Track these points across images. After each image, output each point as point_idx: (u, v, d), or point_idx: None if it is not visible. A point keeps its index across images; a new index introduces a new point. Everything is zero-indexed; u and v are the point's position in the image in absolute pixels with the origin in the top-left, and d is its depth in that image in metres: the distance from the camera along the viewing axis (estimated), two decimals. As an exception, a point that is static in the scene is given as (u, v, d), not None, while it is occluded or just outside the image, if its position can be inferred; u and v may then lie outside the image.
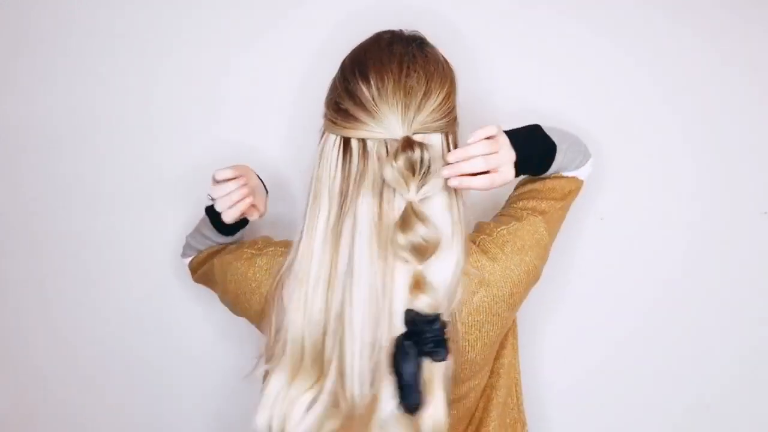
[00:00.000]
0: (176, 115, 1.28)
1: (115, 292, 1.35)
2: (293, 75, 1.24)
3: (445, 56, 0.84)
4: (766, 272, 1.25)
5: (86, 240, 1.33)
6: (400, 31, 0.84)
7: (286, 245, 0.88)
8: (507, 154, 0.82)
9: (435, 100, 0.78)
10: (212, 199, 0.93)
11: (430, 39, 0.86)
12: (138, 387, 1.39)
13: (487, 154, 0.79)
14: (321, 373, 0.79)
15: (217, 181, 0.91)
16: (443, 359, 0.74)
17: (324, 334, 0.78)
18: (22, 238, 1.35)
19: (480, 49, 1.22)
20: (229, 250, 0.97)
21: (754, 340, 1.27)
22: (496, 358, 0.96)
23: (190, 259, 1.08)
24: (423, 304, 0.75)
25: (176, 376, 1.38)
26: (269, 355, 0.84)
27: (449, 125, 0.81)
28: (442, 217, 0.78)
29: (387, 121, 0.76)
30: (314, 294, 0.79)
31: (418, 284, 0.75)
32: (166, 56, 1.26)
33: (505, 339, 0.96)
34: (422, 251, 0.74)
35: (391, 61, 0.78)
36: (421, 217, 0.74)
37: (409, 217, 0.74)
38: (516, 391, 1.00)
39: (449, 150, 0.80)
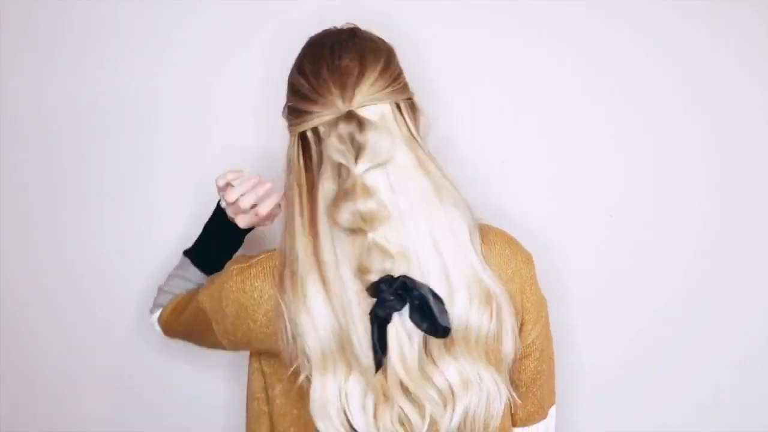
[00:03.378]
0: (174, 115, 1.28)
1: (112, 292, 1.34)
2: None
3: (380, 37, 0.88)
4: (777, 268, 1.24)
5: (81, 238, 1.33)
6: (333, 27, 0.89)
7: (272, 252, 0.89)
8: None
9: (372, 74, 0.81)
10: (226, 205, 0.96)
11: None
12: (137, 384, 1.38)
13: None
14: (347, 359, 0.81)
15: (224, 186, 0.97)
16: (397, 310, 0.77)
17: (336, 319, 0.81)
18: (18, 235, 1.34)
19: (485, 44, 1.21)
20: (210, 281, 0.95)
21: (765, 336, 1.26)
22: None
23: (158, 313, 1.06)
24: (377, 269, 0.77)
25: (177, 372, 1.37)
26: (295, 360, 0.84)
27: (396, 93, 0.83)
28: (415, 178, 0.81)
29: (329, 102, 0.80)
30: (311, 285, 0.81)
31: (368, 251, 0.78)
32: (164, 56, 1.26)
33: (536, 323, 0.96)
34: (367, 221, 0.77)
35: (323, 51, 0.83)
36: (363, 191, 0.77)
37: (347, 191, 0.77)
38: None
39: (402, 118, 0.83)
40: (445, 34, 1.21)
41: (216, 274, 0.95)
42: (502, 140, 1.24)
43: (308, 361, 0.81)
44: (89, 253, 1.33)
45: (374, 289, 0.77)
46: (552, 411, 0.99)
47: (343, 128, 0.77)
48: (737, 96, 1.20)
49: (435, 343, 0.80)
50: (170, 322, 1.03)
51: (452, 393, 0.81)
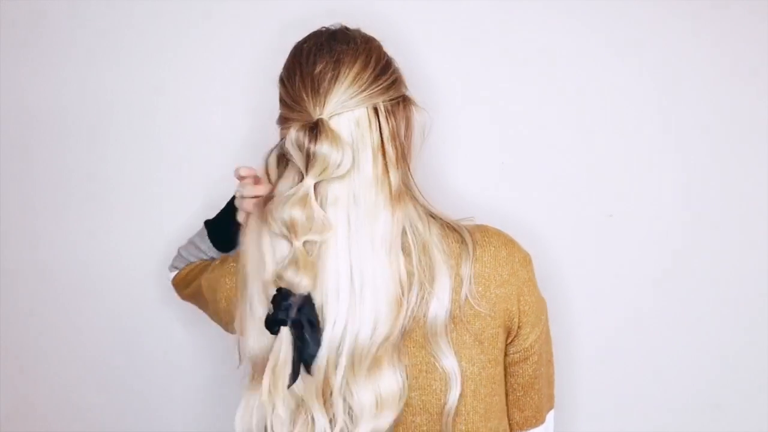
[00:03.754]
0: (177, 116, 1.29)
1: (112, 293, 1.35)
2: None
3: (366, 34, 0.86)
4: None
5: (81, 238, 1.34)
6: (323, 27, 0.88)
7: None
8: None
9: (345, 79, 0.79)
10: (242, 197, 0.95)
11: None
12: (137, 384, 1.39)
13: None
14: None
15: (242, 177, 0.95)
16: (280, 324, 0.77)
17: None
18: (19, 235, 1.36)
19: (485, 44, 1.21)
20: (214, 267, 0.98)
21: (764, 337, 1.25)
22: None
23: (174, 274, 1.10)
24: (285, 279, 0.77)
25: (178, 372, 1.38)
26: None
27: (377, 95, 0.81)
28: (373, 190, 0.80)
29: (303, 110, 0.79)
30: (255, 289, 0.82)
31: (286, 260, 0.78)
32: (168, 57, 1.27)
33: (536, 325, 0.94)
34: (290, 228, 0.77)
35: (300, 57, 0.83)
36: (299, 201, 0.77)
37: (287, 197, 0.77)
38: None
39: (378, 123, 0.80)
40: (444, 33, 1.21)
41: (221, 260, 0.98)
42: (502, 140, 1.24)
43: (247, 362, 0.83)
44: (90, 254, 1.34)
45: (273, 299, 0.77)
46: (550, 416, 0.97)
47: (300, 137, 0.77)
48: (738, 95, 1.19)
49: (358, 355, 0.78)
50: (180, 287, 1.09)
51: (362, 412, 0.79)
